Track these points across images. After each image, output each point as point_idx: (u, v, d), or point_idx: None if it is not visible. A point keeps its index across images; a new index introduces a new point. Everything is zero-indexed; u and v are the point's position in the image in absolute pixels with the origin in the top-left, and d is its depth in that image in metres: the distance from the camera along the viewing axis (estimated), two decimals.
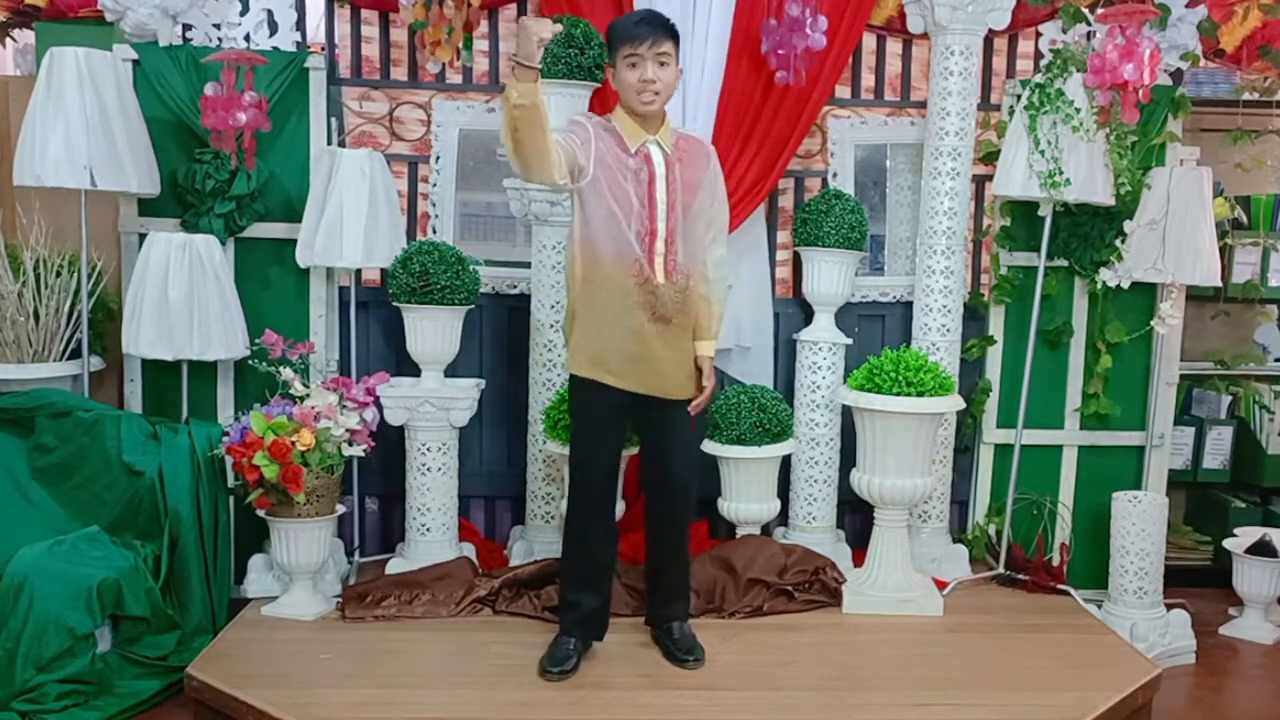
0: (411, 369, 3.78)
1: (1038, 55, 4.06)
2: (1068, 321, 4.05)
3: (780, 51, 3.75)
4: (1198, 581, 4.34)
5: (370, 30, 4.04)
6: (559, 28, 2.85)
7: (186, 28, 3.85)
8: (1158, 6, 3.78)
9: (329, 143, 3.88)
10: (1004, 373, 4.08)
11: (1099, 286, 3.94)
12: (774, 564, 3.63)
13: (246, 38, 3.88)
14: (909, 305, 4.07)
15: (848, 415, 3.79)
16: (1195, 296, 4.25)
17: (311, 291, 3.91)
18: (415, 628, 3.39)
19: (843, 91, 4.12)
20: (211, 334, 3.59)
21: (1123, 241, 3.87)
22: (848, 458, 3.88)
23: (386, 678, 3.02)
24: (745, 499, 3.80)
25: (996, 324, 4.08)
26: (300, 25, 3.93)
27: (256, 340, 3.67)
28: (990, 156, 3.99)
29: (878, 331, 4.18)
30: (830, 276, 3.91)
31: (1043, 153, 3.67)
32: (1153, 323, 3.85)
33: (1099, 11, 3.67)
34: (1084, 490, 4.10)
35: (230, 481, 3.57)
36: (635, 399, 3.06)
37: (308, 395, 3.49)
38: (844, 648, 3.33)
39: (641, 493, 3.46)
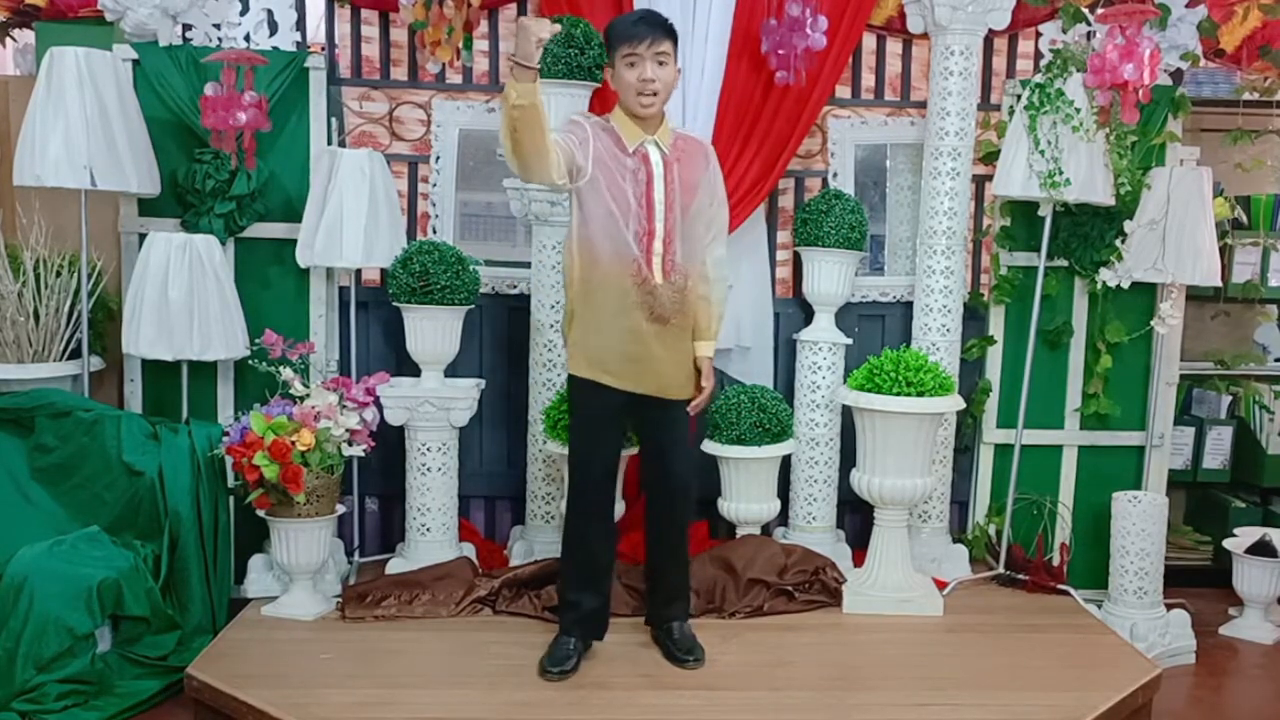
0: (411, 369, 3.78)
1: (1038, 55, 4.06)
2: (1068, 321, 4.05)
3: (780, 51, 3.75)
4: (1198, 581, 4.34)
5: (370, 30, 4.04)
6: (558, 28, 2.85)
7: (186, 28, 3.85)
8: (1158, 6, 3.78)
9: (329, 143, 3.88)
10: (1004, 373, 4.08)
11: (1099, 286, 3.94)
12: (774, 564, 3.63)
13: (246, 38, 3.88)
14: (909, 305, 4.07)
15: (848, 415, 3.79)
16: (1195, 296, 4.25)
17: (311, 291, 3.91)
18: (415, 628, 3.39)
19: (843, 91, 4.12)
20: (211, 334, 3.59)
21: (1123, 241, 3.87)
22: (848, 458, 3.88)
23: (386, 678, 3.02)
24: (745, 499, 3.80)
25: (996, 324, 4.08)
26: (300, 25, 3.93)
27: (256, 340, 3.67)
28: (990, 156, 3.99)
29: (878, 331, 4.18)
30: (830, 276, 3.91)
31: (1043, 153, 3.67)
32: (1153, 323, 3.85)
33: (1099, 11, 3.67)
34: (1084, 490, 4.10)
35: (230, 481, 3.57)
36: (634, 399, 3.06)
37: (308, 395, 3.49)
38: (844, 648, 3.33)
39: (641, 493, 3.46)
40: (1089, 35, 3.91)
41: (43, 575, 3.13)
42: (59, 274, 3.74)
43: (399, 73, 4.06)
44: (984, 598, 3.77)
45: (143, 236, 3.67)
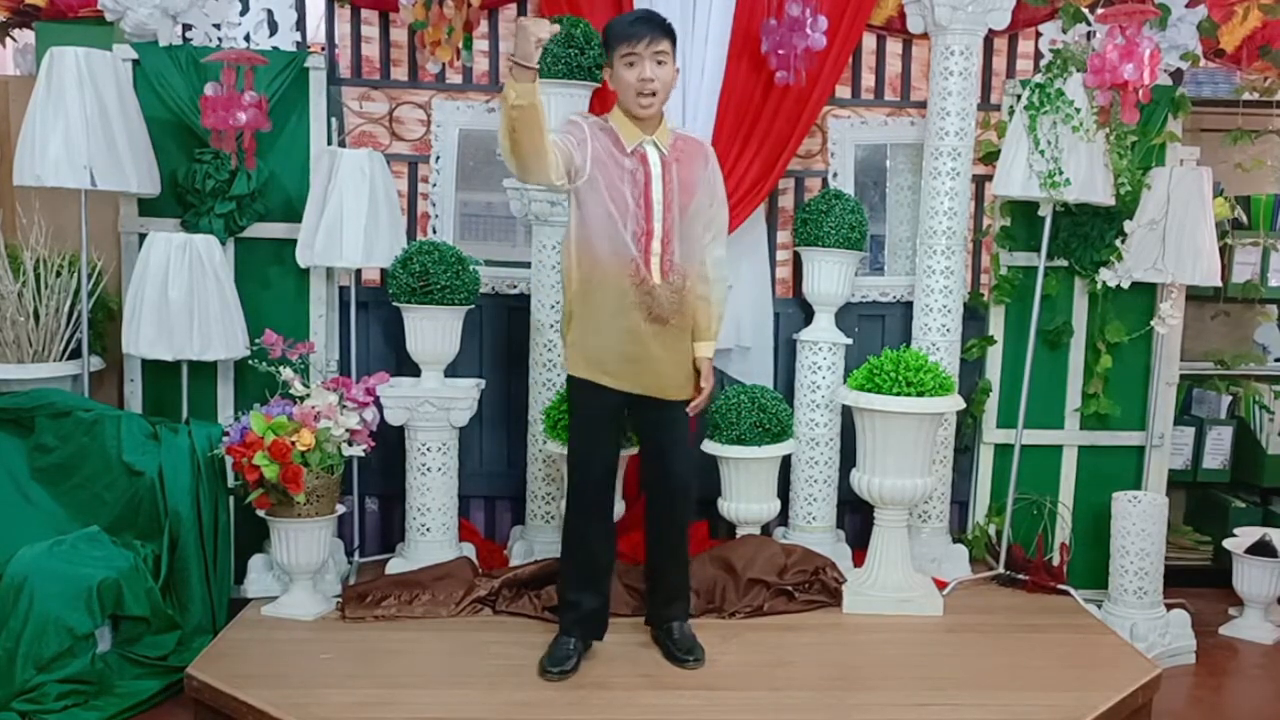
0: (411, 369, 3.78)
1: (1038, 55, 4.06)
2: (1068, 321, 4.05)
3: (780, 51, 3.75)
4: (1198, 581, 4.34)
5: (370, 30, 4.04)
6: (556, 28, 2.85)
7: (186, 28, 3.85)
8: (1158, 6, 3.78)
9: (329, 143, 3.88)
10: (1004, 373, 4.08)
11: (1099, 286, 3.94)
12: (774, 564, 3.63)
13: (246, 38, 3.88)
14: (909, 305, 4.07)
15: (848, 415, 3.79)
16: (1195, 296, 4.25)
17: (311, 291, 3.91)
18: (415, 628, 3.39)
19: (843, 91, 4.12)
20: (211, 334, 3.59)
21: (1123, 241, 3.87)
22: (848, 458, 3.88)
23: (386, 678, 3.02)
24: (745, 499, 3.80)
25: (996, 324, 4.08)
26: (300, 25, 3.93)
27: (256, 340, 3.67)
28: (990, 156, 3.99)
29: (878, 331, 4.18)
30: (830, 276, 3.91)
31: (1043, 153, 3.67)
32: (1153, 323, 3.85)
33: (1099, 11, 3.67)
34: (1084, 490, 4.10)
35: (230, 481, 3.57)
36: (633, 399, 3.07)
37: (308, 395, 3.49)
38: (844, 648, 3.33)
39: (641, 493, 3.46)
40: (1089, 35, 3.91)
41: (43, 575, 3.13)
42: (59, 274, 3.74)
43: (399, 73, 4.06)
44: (984, 598, 3.77)
45: (143, 236, 3.67)
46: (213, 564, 3.51)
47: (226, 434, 3.41)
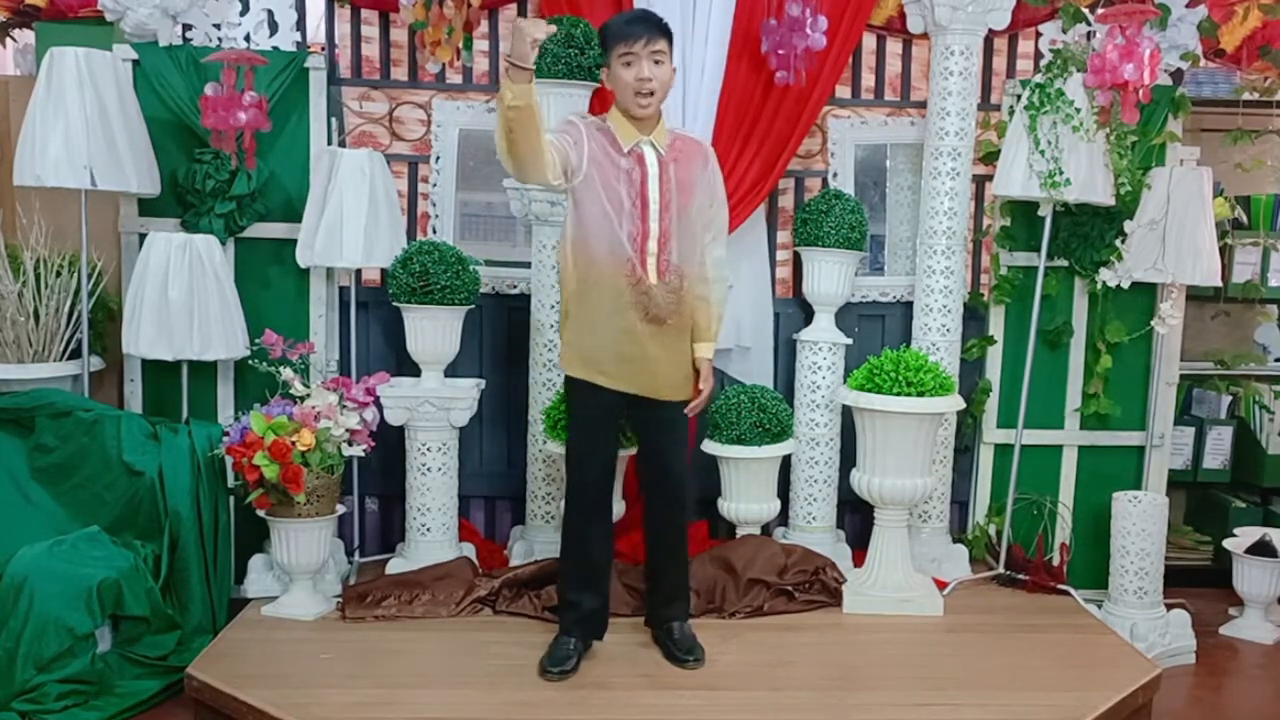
0: (411, 369, 3.78)
1: (1038, 55, 4.06)
2: (1068, 321, 4.05)
3: (780, 51, 3.75)
4: (1198, 581, 4.34)
5: (370, 30, 4.04)
6: (553, 29, 2.85)
7: (186, 28, 3.85)
8: (1158, 6, 3.78)
9: (329, 143, 3.88)
10: (1004, 373, 4.08)
11: (1099, 286, 3.94)
12: (774, 564, 3.63)
13: (246, 38, 3.88)
14: (909, 305, 4.07)
15: (848, 415, 3.79)
16: (1195, 296, 4.25)
17: (311, 291, 3.91)
18: (415, 628, 3.39)
19: (843, 91, 4.12)
20: (211, 334, 3.59)
21: (1123, 241, 3.87)
22: (848, 458, 3.88)
23: (386, 678, 3.02)
24: (745, 499, 3.80)
25: (996, 324, 4.08)
26: (300, 25, 3.93)
27: (256, 340, 3.67)
28: (990, 156, 3.99)
29: (878, 331, 4.18)
30: (830, 276, 3.91)
31: (1043, 153, 3.67)
32: (1153, 323, 3.85)
33: (1099, 11, 3.67)
34: (1084, 490, 4.10)
35: (230, 481, 3.57)
36: (630, 399, 3.07)
37: (308, 395, 3.49)
38: (844, 648, 3.33)
39: (640, 493, 3.46)
40: (1089, 35, 3.91)
41: (43, 575, 3.13)
42: (59, 274, 3.74)
43: (399, 73, 4.06)
44: (984, 598, 3.77)
45: (143, 236, 3.67)
46: (213, 564, 3.51)
47: (226, 434, 3.41)
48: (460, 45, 3.87)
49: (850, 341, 4.01)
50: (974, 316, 4.10)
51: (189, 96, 3.74)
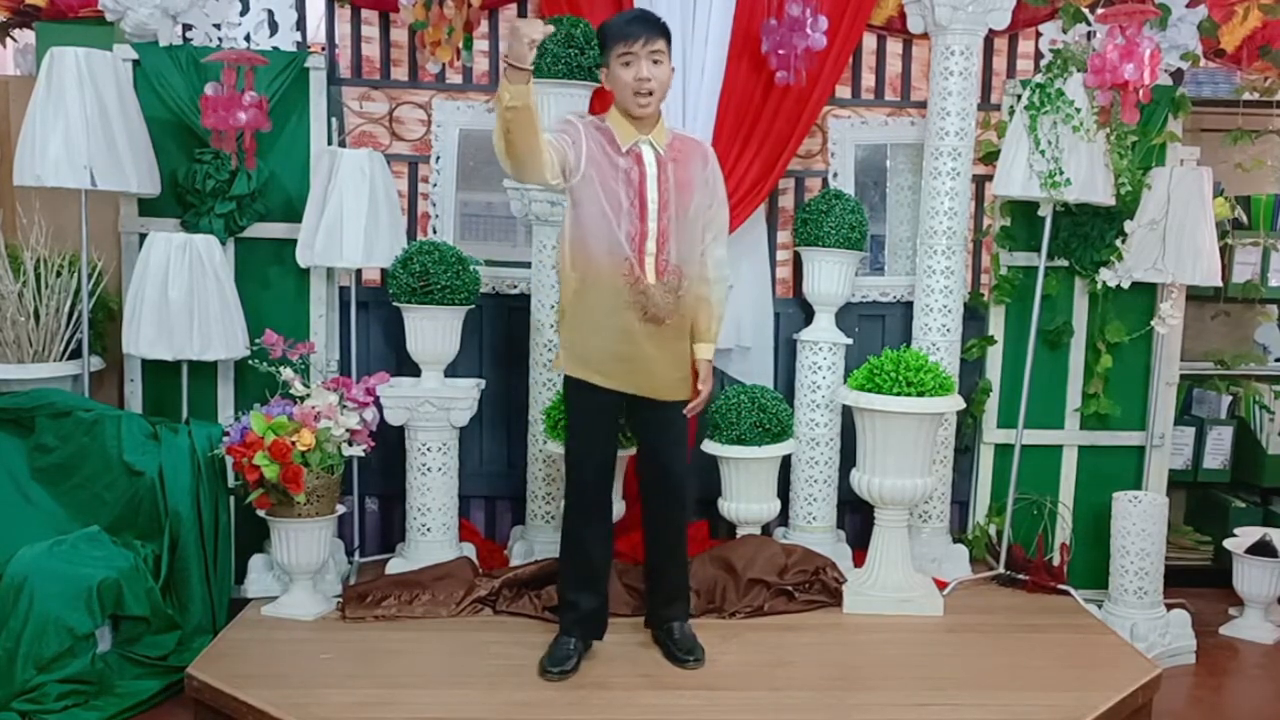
0: (411, 369, 3.78)
1: (1038, 55, 4.06)
2: (1068, 321, 4.05)
3: (780, 51, 3.75)
4: (1198, 581, 4.34)
5: (370, 30, 4.04)
6: (550, 29, 2.85)
7: (187, 28, 3.85)
8: (1158, 6, 3.78)
9: (329, 143, 3.88)
10: (1004, 373, 4.08)
11: (1099, 286, 3.93)
12: (774, 564, 3.63)
13: (247, 38, 3.88)
14: (909, 305, 4.07)
15: (848, 415, 3.79)
16: (1195, 296, 4.25)
17: (311, 291, 3.91)
18: (415, 628, 3.39)
19: (843, 91, 4.12)
20: (211, 334, 3.60)
21: (1123, 241, 3.87)
22: (848, 458, 3.88)
23: (386, 678, 3.02)
24: (745, 499, 3.80)
25: (996, 324, 4.08)
26: (300, 25, 3.93)
27: (256, 340, 3.67)
28: (990, 156, 3.99)
29: (878, 331, 4.18)
30: (830, 276, 3.91)
31: (1043, 153, 3.67)
32: (1153, 323, 3.85)
33: (1099, 11, 3.67)
34: (1084, 490, 4.10)
35: (230, 481, 3.57)
36: (629, 399, 3.07)
37: (308, 395, 3.49)
38: (844, 648, 3.33)
39: (640, 493, 3.45)
40: (1089, 35, 3.91)
41: (43, 575, 3.13)
42: (59, 274, 3.74)
43: (399, 73, 4.06)
44: (984, 598, 3.77)
45: (143, 236, 3.68)
46: (213, 564, 3.51)
47: (227, 434, 3.41)
48: (460, 45, 3.87)
49: (850, 341, 4.01)
50: (974, 316, 4.10)
51: (189, 96, 3.74)
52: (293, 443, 3.28)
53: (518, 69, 2.67)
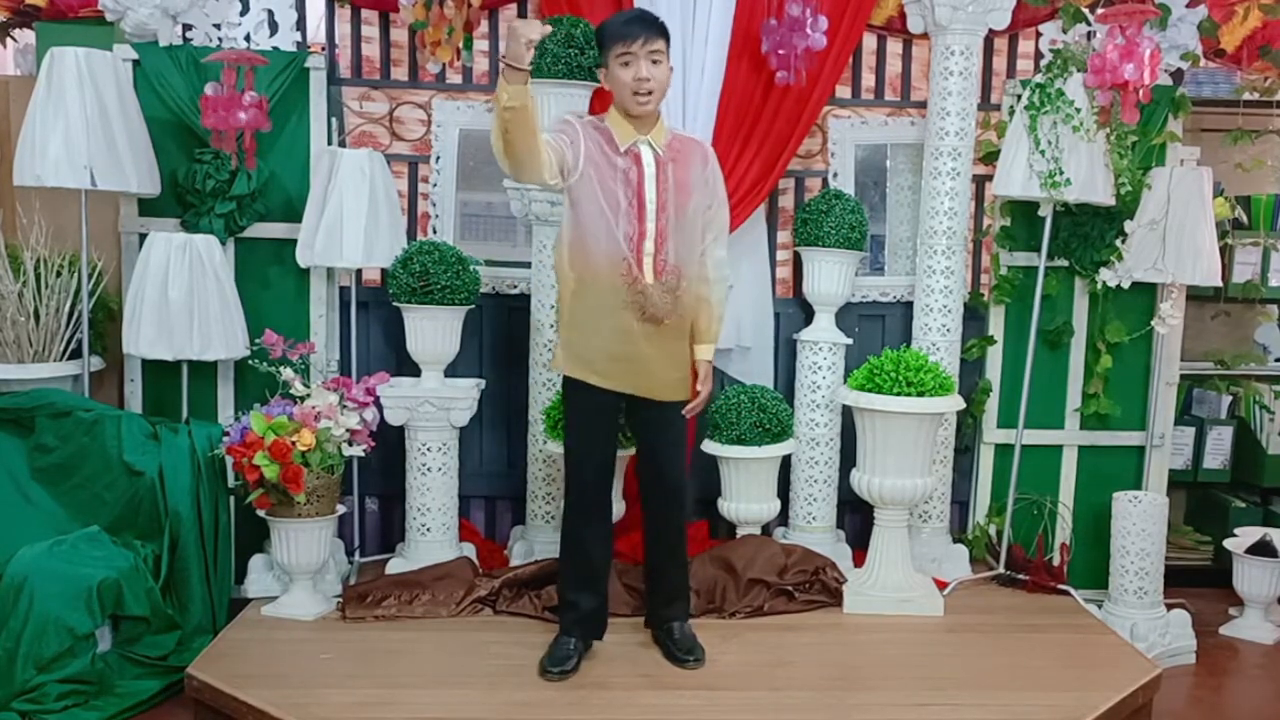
0: (411, 369, 3.78)
1: (1038, 55, 4.06)
2: (1068, 321, 4.05)
3: (780, 51, 3.75)
4: (1198, 581, 4.34)
5: (370, 30, 4.04)
6: (548, 29, 2.85)
7: (187, 28, 3.85)
8: (1158, 6, 3.78)
9: (329, 143, 3.88)
10: (1004, 373, 4.08)
11: (1099, 286, 3.93)
12: (774, 564, 3.63)
13: (247, 38, 3.88)
14: (909, 305, 4.07)
15: (848, 415, 3.79)
16: (1195, 296, 4.25)
17: (312, 291, 3.91)
18: (415, 628, 3.39)
19: (843, 91, 4.12)
20: (211, 334, 3.60)
21: (1123, 241, 3.87)
22: (848, 458, 3.88)
23: (386, 678, 3.02)
24: (745, 499, 3.80)
25: (996, 324, 4.08)
26: (300, 25, 3.93)
27: (257, 340, 3.67)
28: (990, 156, 3.99)
29: (878, 331, 4.18)
30: (830, 276, 3.91)
31: (1043, 153, 3.67)
32: (1153, 323, 3.85)
33: (1099, 11, 3.67)
34: (1084, 490, 4.10)
35: (230, 481, 3.57)
36: (627, 399, 3.07)
37: (308, 395, 3.49)
38: (844, 648, 3.33)
39: (640, 493, 3.45)
40: (1089, 35, 3.91)
41: (43, 575, 3.13)
42: (59, 274, 3.74)
43: (399, 73, 4.06)
44: (984, 598, 3.77)
45: (143, 236, 3.68)
46: (213, 564, 3.51)
47: (227, 434, 3.41)
48: (460, 45, 3.87)
49: (850, 341, 4.01)
50: (974, 316, 4.10)
51: (189, 96, 3.74)
52: (293, 443, 3.28)
53: (515, 69, 2.67)
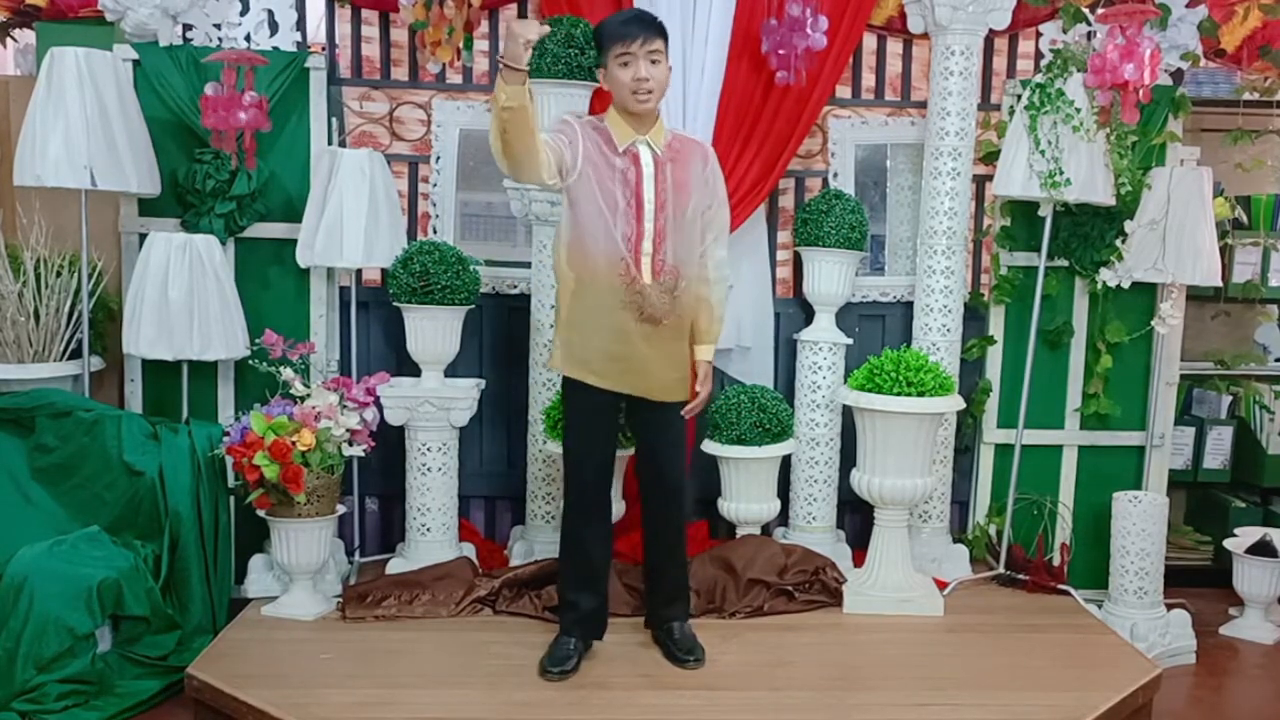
0: (411, 369, 3.78)
1: (1038, 55, 4.05)
2: (1068, 321, 4.05)
3: (781, 51, 3.75)
4: (1198, 581, 4.34)
5: (370, 30, 4.04)
6: (546, 29, 2.85)
7: (187, 28, 3.85)
8: (1158, 6, 3.78)
9: (329, 143, 3.88)
10: (1004, 373, 4.08)
11: (1099, 286, 3.93)
12: (774, 564, 3.63)
13: (247, 38, 3.88)
14: (909, 305, 4.07)
15: (848, 415, 3.80)
16: (1195, 296, 4.25)
17: (312, 291, 3.91)
18: (415, 628, 3.39)
19: (843, 91, 4.12)
20: (211, 334, 3.60)
21: (1123, 241, 3.87)
22: (848, 458, 3.88)
23: (386, 678, 3.02)
24: (745, 499, 3.80)
25: (996, 324, 4.08)
26: (300, 25, 3.93)
27: (257, 340, 3.67)
28: (990, 156, 3.99)
29: (878, 331, 4.18)
30: (831, 276, 3.91)
31: (1043, 153, 3.67)
32: (1153, 323, 3.85)
33: (1099, 11, 3.67)
34: (1084, 490, 4.10)
35: (230, 481, 3.57)
36: (627, 399, 3.07)
37: (308, 395, 3.49)
38: (844, 648, 3.33)
39: (639, 494, 3.45)
40: (1089, 35, 3.91)
41: (43, 575, 3.13)
42: (59, 274, 3.74)
43: (399, 73, 4.06)
44: (984, 598, 3.77)
45: (143, 236, 3.68)
46: (213, 564, 3.51)
47: (227, 434, 3.41)
48: (460, 45, 3.87)
49: (850, 341, 4.01)
50: (974, 316, 4.10)
51: (189, 96, 3.74)
52: (293, 443, 3.28)
53: (513, 69, 2.67)
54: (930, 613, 3.58)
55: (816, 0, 3.70)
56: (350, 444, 3.48)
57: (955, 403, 3.61)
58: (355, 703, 2.86)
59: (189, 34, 3.85)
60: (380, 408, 3.63)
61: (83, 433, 3.50)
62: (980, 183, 4.08)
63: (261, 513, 3.40)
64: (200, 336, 3.58)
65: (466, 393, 3.69)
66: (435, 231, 4.09)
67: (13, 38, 4.55)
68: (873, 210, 4.14)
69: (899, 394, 3.48)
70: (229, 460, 3.41)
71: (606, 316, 2.99)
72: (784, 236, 4.17)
